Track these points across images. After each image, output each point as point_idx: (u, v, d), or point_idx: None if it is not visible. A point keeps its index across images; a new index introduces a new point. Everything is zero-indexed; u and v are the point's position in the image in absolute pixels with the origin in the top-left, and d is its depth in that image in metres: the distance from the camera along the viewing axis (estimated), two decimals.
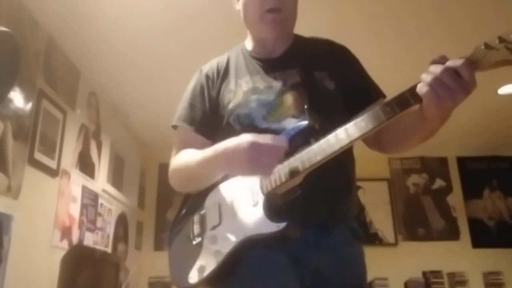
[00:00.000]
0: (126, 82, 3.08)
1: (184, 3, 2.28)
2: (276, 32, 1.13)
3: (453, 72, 0.76)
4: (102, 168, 3.24)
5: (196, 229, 1.05)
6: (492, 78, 2.95)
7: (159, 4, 2.29)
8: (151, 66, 2.86)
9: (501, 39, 0.74)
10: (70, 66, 2.74)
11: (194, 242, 1.03)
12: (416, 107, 0.82)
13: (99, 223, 3.09)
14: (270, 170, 0.91)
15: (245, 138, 0.91)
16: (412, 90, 0.81)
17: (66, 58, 2.66)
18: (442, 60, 0.79)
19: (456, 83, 0.76)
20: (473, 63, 0.76)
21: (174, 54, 2.69)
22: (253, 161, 0.89)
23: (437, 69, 0.77)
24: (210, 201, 1.06)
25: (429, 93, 0.78)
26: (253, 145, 0.89)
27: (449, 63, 0.77)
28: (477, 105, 3.33)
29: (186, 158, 1.09)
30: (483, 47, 0.75)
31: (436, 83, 0.77)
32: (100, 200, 3.14)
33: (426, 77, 0.78)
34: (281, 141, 0.91)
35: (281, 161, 0.92)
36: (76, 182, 2.74)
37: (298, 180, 0.92)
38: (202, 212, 1.06)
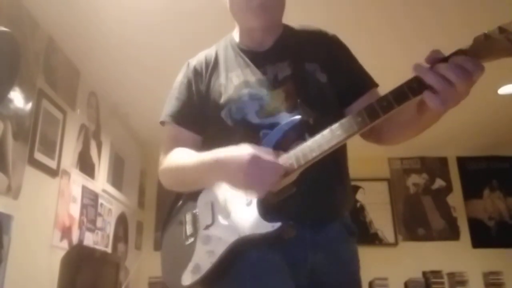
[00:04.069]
0: (126, 82, 3.08)
1: (185, 2, 2.28)
2: (263, 20, 1.08)
3: (467, 75, 0.72)
4: (102, 168, 3.24)
5: (189, 229, 1.02)
6: (492, 78, 2.95)
7: (159, 3, 2.29)
8: (151, 66, 2.86)
9: (502, 30, 0.71)
10: (70, 66, 2.74)
11: (186, 243, 1.01)
12: (413, 100, 0.80)
13: (99, 223, 3.09)
14: (265, 189, 0.88)
15: (247, 150, 0.88)
16: (410, 83, 0.78)
17: (66, 58, 2.66)
18: (437, 55, 0.76)
19: (466, 86, 0.73)
20: (476, 56, 0.73)
21: (175, 54, 2.69)
22: (251, 176, 0.86)
23: (449, 73, 0.73)
24: (202, 200, 1.03)
25: (439, 102, 0.74)
26: (254, 159, 0.86)
27: (456, 61, 0.73)
28: (477, 105, 3.33)
29: (180, 159, 1.06)
30: (483, 38, 0.73)
31: (448, 89, 0.73)
32: (100, 200, 3.14)
33: (436, 82, 0.74)
34: (282, 165, 0.88)
35: (279, 182, 0.88)
36: (76, 182, 2.74)
37: (293, 177, 0.90)
38: (194, 211, 1.03)
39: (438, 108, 0.75)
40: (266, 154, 0.88)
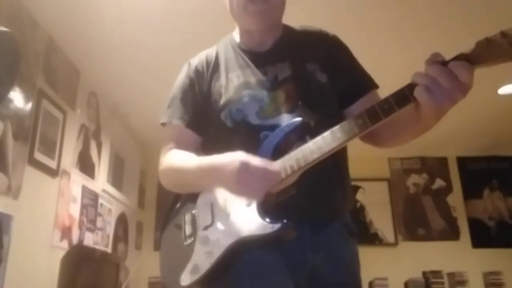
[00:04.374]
0: (126, 82, 3.08)
1: (185, 2, 2.28)
2: (261, 24, 1.08)
3: (451, 75, 0.74)
4: (102, 168, 3.24)
5: (188, 229, 1.02)
6: (492, 78, 2.96)
7: (159, 3, 2.29)
8: (151, 66, 2.86)
9: (504, 34, 0.72)
10: (70, 66, 2.74)
11: (185, 243, 1.00)
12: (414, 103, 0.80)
13: (99, 223, 3.09)
14: (257, 196, 0.88)
15: (238, 157, 0.88)
16: (411, 86, 0.79)
17: (66, 58, 2.66)
18: (436, 58, 0.77)
19: (454, 85, 0.74)
20: (471, 64, 0.74)
21: (175, 55, 2.69)
22: (241, 182, 0.86)
23: (434, 72, 0.75)
24: (202, 200, 1.03)
25: (428, 97, 0.75)
26: (244, 166, 0.86)
27: (449, 66, 0.74)
28: (477, 105, 3.33)
29: (180, 161, 1.06)
30: (485, 42, 0.73)
31: (434, 86, 0.75)
32: (100, 200, 3.14)
33: (423, 80, 0.76)
34: (276, 169, 0.87)
35: (271, 188, 0.88)
36: (76, 182, 2.74)
37: (293, 179, 0.90)
38: (193, 212, 1.03)
39: (427, 103, 0.76)
40: (258, 161, 0.87)
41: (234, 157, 0.89)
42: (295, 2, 1.13)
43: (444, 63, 0.76)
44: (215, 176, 0.92)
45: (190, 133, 1.11)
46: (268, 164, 0.88)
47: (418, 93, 0.77)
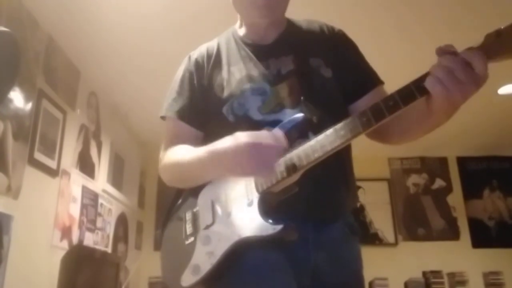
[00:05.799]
0: (126, 82, 3.08)
1: (184, 2, 2.28)
2: (268, 17, 1.07)
3: (467, 65, 0.71)
4: (102, 168, 3.24)
5: (189, 228, 1.00)
6: (492, 78, 2.91)
7: (159, 4, 2.29)
8: (151, 66, 2.85)
9: None
10: (70, 66, 2.74)
11: (186, 242, 0.99)
12: (420, 100, 0.77)
13: (99, 223, 3.09)
14: (272, 170, 0.86)
15: (243, 138, 0.85)
16: (417, 82, 0.76)
17: (66, 58, 2.66)
18: (448, 49, 0.74)
19: (468, 77, 0.71)
20: (486, 54, 0.71)
21: (175, 54, 2.68)
22: (255, 162, 0.83)
23: (449, 62, 0.72)
24: (203, 198, 1.01)
25: (440, 88, 0.73)
26: (254, 145, 0.83)
27: (463, 55, 0.72)
28: (477, 105, 3.30)
29: (179, 155, 1.04)
30: (494, 35, 0.71)
31: (448, 77, 0.72)
32: (100, 200, 3.14)
33: (437, 71, 0.73)
34: (280, 139, 0.86)
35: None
36: (76, 182, 2.73)
37: (295, 177, 0.88)
38: (194, 210, 1.01)
39: (440, 95, 0.73)
40: (261, 136, 0.86)
41: (237, 139, 0.86)
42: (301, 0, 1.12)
43: (457, 54, 0.73)
44: (220, 162, 0.89)
45: (189, 127, 1.10)
46: (272, 135, 0.86)
47: (430, 84, 0.74)
